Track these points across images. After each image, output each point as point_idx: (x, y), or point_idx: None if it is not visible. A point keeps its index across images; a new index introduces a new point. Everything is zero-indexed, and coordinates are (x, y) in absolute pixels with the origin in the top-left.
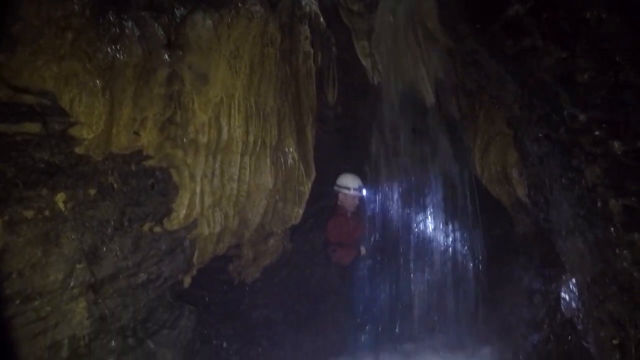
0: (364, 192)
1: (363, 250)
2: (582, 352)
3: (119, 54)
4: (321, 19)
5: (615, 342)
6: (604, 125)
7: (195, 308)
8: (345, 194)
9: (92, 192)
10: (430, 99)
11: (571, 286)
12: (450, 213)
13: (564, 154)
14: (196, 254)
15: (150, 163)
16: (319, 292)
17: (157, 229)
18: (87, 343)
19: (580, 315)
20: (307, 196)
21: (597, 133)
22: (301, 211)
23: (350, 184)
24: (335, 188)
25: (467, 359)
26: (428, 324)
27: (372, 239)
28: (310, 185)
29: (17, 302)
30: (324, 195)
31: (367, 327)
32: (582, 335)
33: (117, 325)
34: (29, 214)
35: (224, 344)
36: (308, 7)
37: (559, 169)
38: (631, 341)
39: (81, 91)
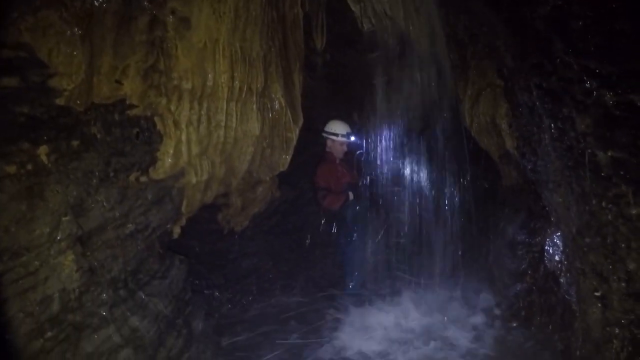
0: (353, 138)
1: (351, 195)
2: (564, 304)
3: (97, 1)
4: None
5: (597, 294)
6: (596, 74)
7: (185, 258)
8: (334, 140)
9: (75, 143)
10: (421, 48)
11: (555, 239)
12: (439, 163)
13: (555, 103)
14: (184, 203)
15: (134, 112)
16: (308, 239)
17: (144, 179)
18: (78, 296)
19: (563, 268)
20: (294, 142)
21: (589, 83)
22: (289, 158)
23: (338, 130)
24: (324, 134)
25: (449, 306)
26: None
27: (361, 184)
28: (297, 131)
29: (5, 258)
30: (312, 143)
31: (355, 273)
32: (564, 288)
33: (108, 277)
34: (11, 169)
35: (215, 293)
36: None
37: (549, 119)
38: (613, 293)
39: (59, 41)
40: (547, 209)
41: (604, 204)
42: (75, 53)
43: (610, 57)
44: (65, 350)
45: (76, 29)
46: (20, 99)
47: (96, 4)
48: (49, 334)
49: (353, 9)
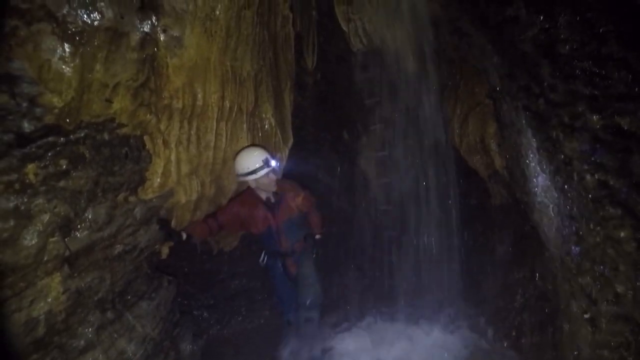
0: (274, 163)
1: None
2: (554, 324)
3: (89, 18)
4: None
5: (586, 316)
6: (583, 98)
7: (174, 278)
8: (256, 180)
9: (64, 162)
10: (411, 67)
11: (545, 259)
12: (428, 182)
13: (543, 125)
14: (173, 223)
15: (123, 131)
16: None
17: (132, 199)
18: (64, 318)
19: (553, 289)
20: (284, 163)
21: (576, 106)
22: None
23: (250, 165)
24: (239, 179)
25: (439, 326)
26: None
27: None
28: (287, 151)
29: None
30: (301, 163)
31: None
32: (555, 308)
33: (95, 298)
34: None
35: (204, 314)
36: None
37: (537, 141)
38: (602, 316)
39: (50, 57)
40: (536, 229)
41: (592, 226)
42: (65, 70)
43: (598, 81)
44: None
45: (67, 46)
46: (9, 115)
47: (88, 20)
48: (34, 356)
49: (344, 28)
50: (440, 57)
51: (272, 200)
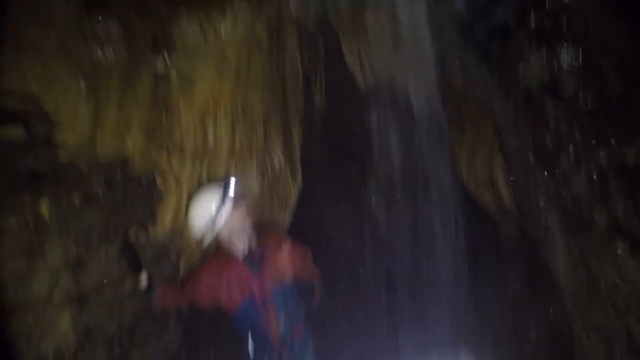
0: (232, 186)
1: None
2: None
3: (105, 56)
4: (309, 22)
5: (601, 353)
6: (589, 135)
7: (181, 317)
8: (230, 226)
9: (77, 199)
10: (418, 103)
11: (558, 295)
12: (437, 218)
13: (550, 162)
14: (183, 261)
15: (136, 169)
16: None
17: (143, 237)
18: (72, 355)
19: (567, 326)
20: (293, 201)
21: (582, 143)
22: (288, 217)
23: (209, 205)
24: (205, 241)
25: None
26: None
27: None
28: (297, 190)
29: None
30: (311, 199)
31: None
32: (569, 346)
33: (103, 336)
34: (12, 223)
35: (212, 353)
36: (296, 9)
37: (544, 177)
38: (617, 354)
39: (65, 94)
40: (547, 264)
41: (603, 263)
42: (81, 107)
43: (603, 119)
44: None
45: (83, 83)
46: (24, 150)
47: (103, 58)
48: None
49: (351, 66)
50: (446, 93)
51: (251, 255)
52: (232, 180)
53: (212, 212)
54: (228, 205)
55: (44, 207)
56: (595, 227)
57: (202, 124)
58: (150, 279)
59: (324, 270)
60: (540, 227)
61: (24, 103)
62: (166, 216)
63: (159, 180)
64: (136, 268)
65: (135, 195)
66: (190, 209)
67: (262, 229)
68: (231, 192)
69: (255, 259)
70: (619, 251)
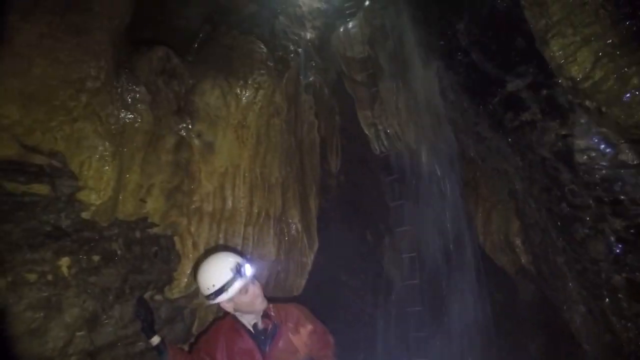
0: (248, 269)
1: None
2: None
3: (131, 119)
4: (325, 89)
5: None
6: (604, 202)
7: None
8: (233, 300)
9: (96, 258)
10: (432, 168)
11: (579, 356)
12: (455, 282)
13: (566, 227)
14: (196, 323)
15: (154, 230)
16: None
17: (158, 297)
18: None
19: None
20: (309, 267)
21: (598, 210)
22: (303, 282)
23: (218, 278)
24: (210, 302)
25: None
26: None
27: None
28: (312, 256)
29: None
30: (326, 265)
31: None
32: None
33: None
34: (32, 277)
35: None
36: (313, 77)
37: (561, 242)
38: None
39: (91, 155)
40: (568, 325)
41: (623, 322)
42: (105, 168)
43: (617, 187)
44: None
45: (108, 145)
46: (48, 208)
47: (128, 121)
48: None
49: (367, 132)
50: (460, 158)
51: (262, 327)
52: (252, 262)
53: (219, 284)
54: (240, 282)
55: (64, 264)
56: (615, 289)
57: (221, 190)
58: (162, 341)
59: (340, 337)
60: (559, 288)
61: (50, 161)
62: (182, 277)
63: (177, 243)
64: (150, 327)
65: (153, 256)
66: (200, 270)
67: (281, 308)
68: (248, 270)
69: (267, 335)
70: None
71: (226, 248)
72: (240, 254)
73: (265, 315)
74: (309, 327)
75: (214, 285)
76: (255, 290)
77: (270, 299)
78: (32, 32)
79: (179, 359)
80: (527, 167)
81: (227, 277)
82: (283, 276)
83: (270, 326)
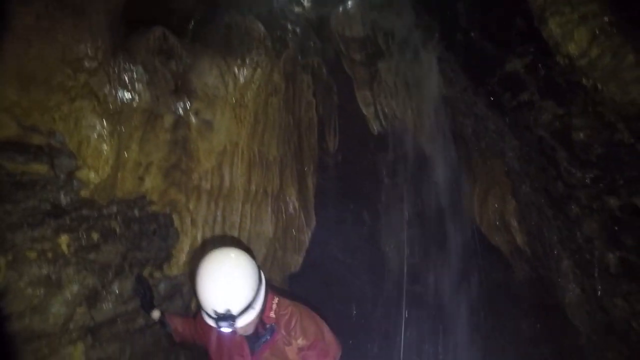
0: (234, 325)
1: None
2: None
3: (128, 98)
4: (324, 69)
5: None
6: (600, 181)
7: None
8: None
9: (96, 235)
10: (430, 148)
11: (571, 334)
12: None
13: (561, 207)
14: (194, 299)
15: (153, 208)
16: None
17: (157, 274)
18: None
19: None
20: (307, 245)
21: (593, 189)
22: (301, 259)
23: (212, 306)
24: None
25: None
26: None
27: None
28: (310, 234)
29: (16, 342)
30: (323, 242)
31: None
32: None
33: None
34: (32, 255)
35: None
36: (311, 57)
37: (556, 221)
38: None
39: (90, 134)
40: (560, 303)
41: (614, 301)
42: (104, 147)
43: (613, 166)
44: None
45: (106, 124)
46: (47, 187)
47: (126, 100)
48: None
49: (364, 112)
50: (458, 138)
51: (257, 330)
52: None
53: (216, 313)
54: (227, 328)
55: (64, 242)
56: (608, 267)
57: (219, 168)
58: (162, 315)
59: (336, 315)
60: (552, 267)
61: (49, 140)
62: (181, 254)
63: (175, 220)
64: (150, 303)
65: (151, 233)
66: (196, 283)
67: (283, 309)
68: (229, 325)
69: (260, 338)
70: (631, 289)
71: (227, 254)
72: (241, 253)
73: (261, 321)
74: (302, 342)
75: (209, 313)
76: (250, 322)
77: (278, 291)
78: (29, 14)
79: (182, 329)
80: (524, 147)
81: (212, 320)
82: (281, 253)
83: (264, 333)
